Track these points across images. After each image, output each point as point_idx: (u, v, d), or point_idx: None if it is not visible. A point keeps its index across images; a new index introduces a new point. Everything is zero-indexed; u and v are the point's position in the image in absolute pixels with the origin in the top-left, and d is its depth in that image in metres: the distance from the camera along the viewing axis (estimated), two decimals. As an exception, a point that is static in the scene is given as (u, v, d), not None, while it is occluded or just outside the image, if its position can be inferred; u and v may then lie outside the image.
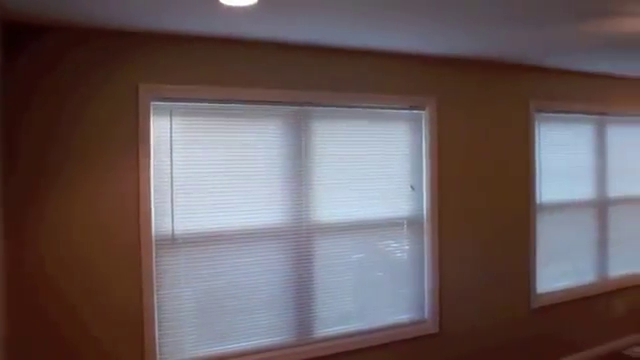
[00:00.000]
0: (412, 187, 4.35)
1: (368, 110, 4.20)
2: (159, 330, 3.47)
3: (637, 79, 5.79)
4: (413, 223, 4.38)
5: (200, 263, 3.61)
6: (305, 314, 3.97)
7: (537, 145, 5.08)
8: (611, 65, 5.02)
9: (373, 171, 4.21)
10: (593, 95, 5.49)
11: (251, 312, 3.78)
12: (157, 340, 3.46)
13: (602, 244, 5.66)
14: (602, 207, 5.66)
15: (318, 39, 3.72)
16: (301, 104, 3.92)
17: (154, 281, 3.43)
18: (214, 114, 3.65)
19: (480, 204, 4.71)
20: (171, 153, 3.50)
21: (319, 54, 3.95)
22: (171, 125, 3.51)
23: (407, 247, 4.36)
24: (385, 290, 4.29)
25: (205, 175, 3.62)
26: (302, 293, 3.95)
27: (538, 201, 5.09)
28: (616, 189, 5.75)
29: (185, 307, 3.58)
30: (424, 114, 4.40)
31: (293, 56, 3.87)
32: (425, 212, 4.40)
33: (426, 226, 4.40)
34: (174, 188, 3.52)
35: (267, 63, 3.79)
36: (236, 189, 3.72)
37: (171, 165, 3.50)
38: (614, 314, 5.67)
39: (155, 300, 3.45)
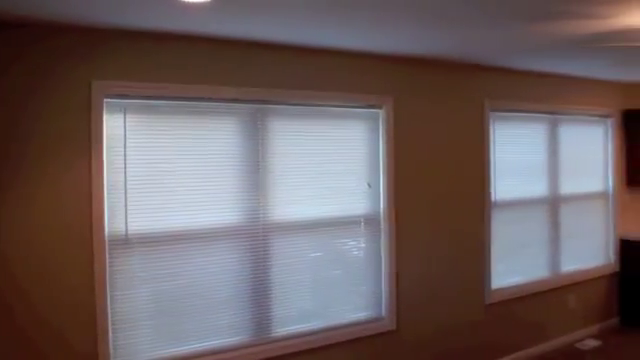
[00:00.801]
0: (369, 185, 4.37)
1: (326, 108, 4.20)
2: (113, 332, 3.40)
3: (588, 79, 5.94)
4: (370, 221, 4.39)
5: (155, 263, 3.55)
6: (263, 313, 3.94)
7: (492, 144, 5.17)
8: (563, 65, 5.14)
9: (330, 169, 4.21)
10: (546, 95, 5.61)
11: (208, 312, 3.74)
12: (111, 342, 3.38)
13: (554, 240, 5.79)
14: (554, 204, 5.79)
15: (275, 37, 3.70)
16: (258, 102, 3.89)
17: (107, 282, 3.36)
18: (169, 112, 3.60)
19: (436, 202, 4.76)
20: (125, 151, 3.43)
21: (276, 52, 3.92)
22: (125, 123, 3.43)
23: (364, 245, 4.38)
24: (343, 288, 4.30)
25: (160, 174, 3.55)
26: (260, 292, 3.93)
27: (493, 199, 5.18)
28: (567, 186, 5.89)
29: (140, 308, 3.51)
30: (381, 113, 4.42)
31: (250, 54, 3.83)
32: (382, 210, 4.43)
33: (383, 224, 4.43)
34: (128, 187, 3.44)
35: (223, 60, 3.75)
36: (192, 188, 3.66)
37: (125, 163, 3.43)
38: (566, 308, 5.81)
39: (108, 301, 3.37)
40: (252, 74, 3.85)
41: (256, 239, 3.90)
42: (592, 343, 5.80)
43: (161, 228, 3.56)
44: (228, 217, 3.79)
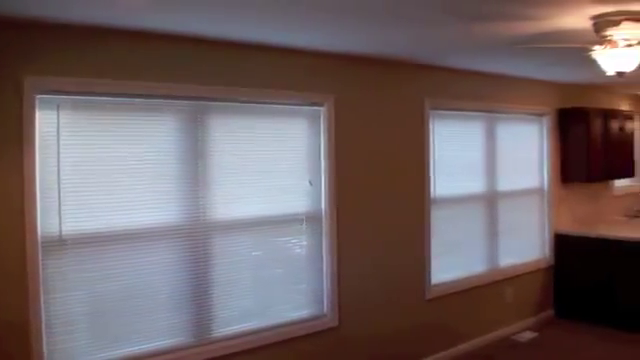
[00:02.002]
0: (310, 183, 4.38)
1: (266, 106, 4.18)
2: (47, 337, 3.28)
3: (524, 79, 6.11)
4: (312, 219, 4.40)
5: (92, 264, 3.45)
6: (204, 314, 3.89)
7: (431, 141, 5.25)
8: (500, 65, 5.27)
9: (272, 167, 4.19)
10: (484, 93, 5.74)
11: (147, 314, 3.66)
12: (45, 347, 3.27)
13: (492, 235, 5.94)
14: (492, 200, 5.94)
15: (214, 32, 3.65)
16: (197, 99, 3.83)
17: (41, 284, 3.24)
18: (105, 108, 3.50)
19: (377, 199, 4.81)
20: (58, 149, 3.31)
21: (215, 48, 3.87)
22: (58, 120, 3.32)
23: (306, 243, 4.39)
24: (284, 286, 4.30)
25: (96, 172, 3.45)
26: (200, 292, 3.88)
27: (432, 195, 5.27)
28: (505, 183, 6.05)
29: (77, 311, 3.40)
30: (322, 111, 4.43)
31: (189, 50, 3.77)
32: (323, 208, 4.45)
33: (324, 222, 4.44)
34: (62, 186, 3.33)
35: (161, 56, 3.66)
36: (129, 187, 3.58)
37: (58, 162, 3.31)
38: (504, 302, 5.97)
39: (42, 304, 3.26)
40: (191, 71, 3.78)
41: (197, 238, 3.85)
42: (528, 335, 5.99)
43: (98, 228, 3.46)
44: (167, 216, 3.73)
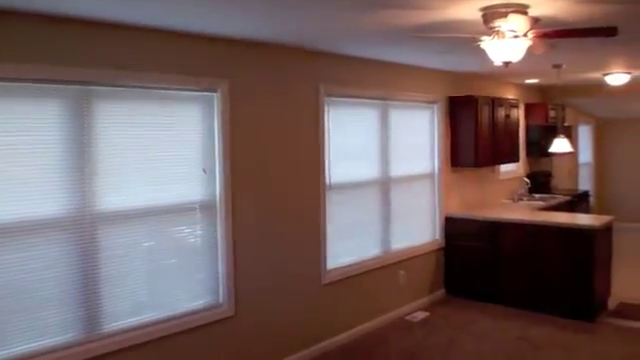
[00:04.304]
0: (204, 170, 4.27)
1: (158, 91, 4.01)
2: None
3: (417, 67, 6.26)
4: (206, 207, 4.30)
5: (-34, 260, 3.20)
6: (93, 309, 3.70)
7: (327, 128, 5.27)
8: (394, 53, 5.36)
9: (164, 155, 4.04)
10: (378, 81, 5.83)
11: (30, 312, 3.42)
12: None
13: (386, 220, 6.08)
14: (385, 185, 6.06)
15: (100, 13, 3.43)
16: (82, 83, 3.60)
17: None
18: (-22, 93, 3.23)
19: (273, 186, 4.77)
20: None
21: (101, 29, 3.64)
22: None
23: (200, 232, 4.29)
24: (179, 277, 4.18)
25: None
26: (89, 286, 3.67)
27: (328, 181, 5.30)
28: (398, 168, 6.20)
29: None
30: (216, 96, 4.32)
31: (72, 30, 3.51)
32: (218, 196, 4.35)
33: (219, 210, 4.35)
34: None
35: (41, 37, 3.39)
36: (7, 178, 3.31)
37: None
38: (397, 284, 6.13)
39: None
40: (75, 52, 3.54)
41: (83, 230, 3.64)
42: (421, 315, 6.20)
43: (-29, 222, 3.20)
44: (52, 208, 3.49)
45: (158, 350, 4.01)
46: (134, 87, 3.87)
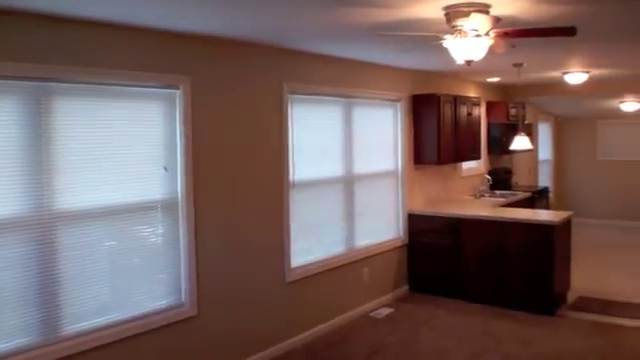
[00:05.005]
0: (165, 168, 4.21)
1: (118, 88, 3.93)
2: None
3: (380, 65, 6.29)
4: (168, 206, 4.24)
5: None
6: (51, 311, 3.60)
7: (290, 126, 5.25)
8: (357, 51, 5.36)
9: (124, 153, 3.95)
10: (342, 79, 5.83)
11: (-16, 314, 3.34)
12: None
13: (349, 217, 6.09)
14: (349, 183, 6.07)
15: (58, 8, 3.33)
16: (40, 79, 3.50)
17: None
18: None
19: (236, 184, 4.73)
20: None
21: (60, 24, 3.55)
22: None
23: (162, 231, 4.22)
24: (141, 277, 4.11)
25: None
26: (47, 288, 3.58)
27: (291, 179, 5.28)
28: (361, 166, 6.21)
29: None
30: (178, 93, 4.26)
31: (29, 25, 3.42)
32: (180, 194, 4.29)
33: (181, 208, 4.29)
34: None
35: (-4, 32, 3.31)
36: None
37: None
38: (361, 281, 6.15)
39: None
40: (31, 48, 3.44)
41: (41, 230, 3.54)
42: (385, 311, 6.23)
43: None
44: (6, 207, 3.38)
45: (122, 351, 3.94)
46: (94, 84, 3.78)
